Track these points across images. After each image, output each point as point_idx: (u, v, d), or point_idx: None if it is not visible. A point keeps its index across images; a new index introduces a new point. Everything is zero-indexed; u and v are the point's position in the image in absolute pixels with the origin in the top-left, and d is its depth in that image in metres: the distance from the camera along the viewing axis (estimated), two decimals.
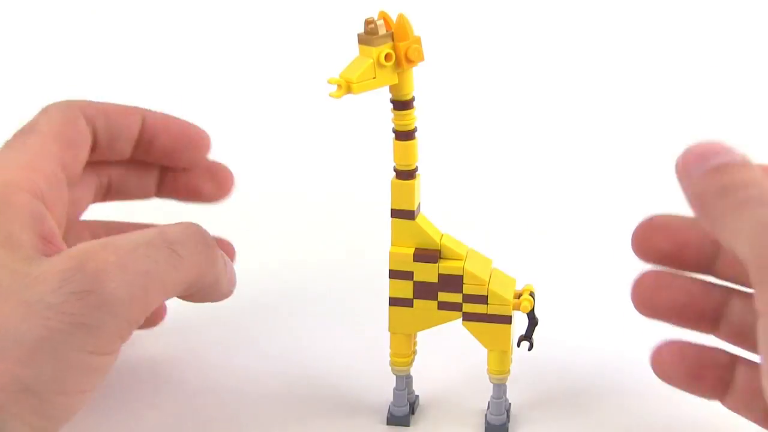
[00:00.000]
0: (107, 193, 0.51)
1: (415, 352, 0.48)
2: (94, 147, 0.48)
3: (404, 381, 0.48)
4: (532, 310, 0.45)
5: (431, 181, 0.48)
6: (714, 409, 0.43)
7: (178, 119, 0.50)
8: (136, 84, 0.84)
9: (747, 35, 0.88)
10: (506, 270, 0.46)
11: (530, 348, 0.46)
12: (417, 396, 0.49)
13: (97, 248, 0.39)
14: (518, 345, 0.46)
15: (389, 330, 0.46)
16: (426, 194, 0.46)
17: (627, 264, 0.62)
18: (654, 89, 0.84)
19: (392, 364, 0.47)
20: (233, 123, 0.79)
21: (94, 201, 0.51)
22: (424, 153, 0.44)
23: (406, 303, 0.46)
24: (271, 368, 0.52)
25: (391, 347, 0.47)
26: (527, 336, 0.46)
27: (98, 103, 0.48)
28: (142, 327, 0.47)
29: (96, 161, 0.49)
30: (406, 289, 0.45)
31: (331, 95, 0.41)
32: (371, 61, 0.41)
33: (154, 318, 0.52)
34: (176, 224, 0.42)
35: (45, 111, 0.46)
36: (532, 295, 0.45)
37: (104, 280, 0.38)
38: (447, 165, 0.72)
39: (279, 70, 0.85)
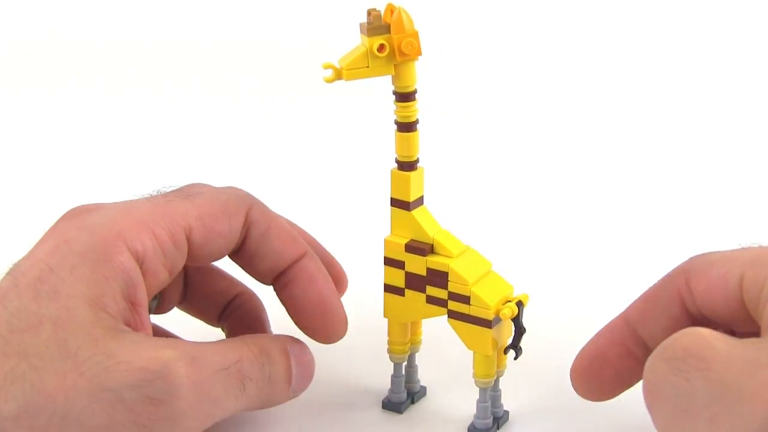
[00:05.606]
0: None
1: (420, 342, 0.49)
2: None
3: (402, 368, 0.48)
4: (519, 318, 0.44)
5: (437, 177, 0.48)
6: None
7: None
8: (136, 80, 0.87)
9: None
10: (506, 270, 0.46)
11: (516, 357, 0.46)
12: (423, 387, 0.50)
13: (184, 361, 0.40)
14: (505, 353, 0.46)
15: (384, 315, 0.47)
16: (434, 190, 0.46)
17: (626, 265, 0.60)
18: (651, 85, 0.82)
19: (390, 351, 0.48)
20: (234, 118, 0.81)
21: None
22: (429, 148, 0.45)
23: (399, 291, 0.46)
24: None
25: (388, 335, 0.48)
26: (513, 345, 0.45)
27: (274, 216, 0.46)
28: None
29: None
30: (398, 278, 0.46)
31: (324, 79, 0.43)
32: (364, 49, 0.42)
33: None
34: (256, 357, 0.43)
35: (229, 187, 0.46)
36: (520, 304, 0.44)
37: (179, 397, 0.39)
38: (450, 162, 0.71)
39: (285, 65, 0.85)
